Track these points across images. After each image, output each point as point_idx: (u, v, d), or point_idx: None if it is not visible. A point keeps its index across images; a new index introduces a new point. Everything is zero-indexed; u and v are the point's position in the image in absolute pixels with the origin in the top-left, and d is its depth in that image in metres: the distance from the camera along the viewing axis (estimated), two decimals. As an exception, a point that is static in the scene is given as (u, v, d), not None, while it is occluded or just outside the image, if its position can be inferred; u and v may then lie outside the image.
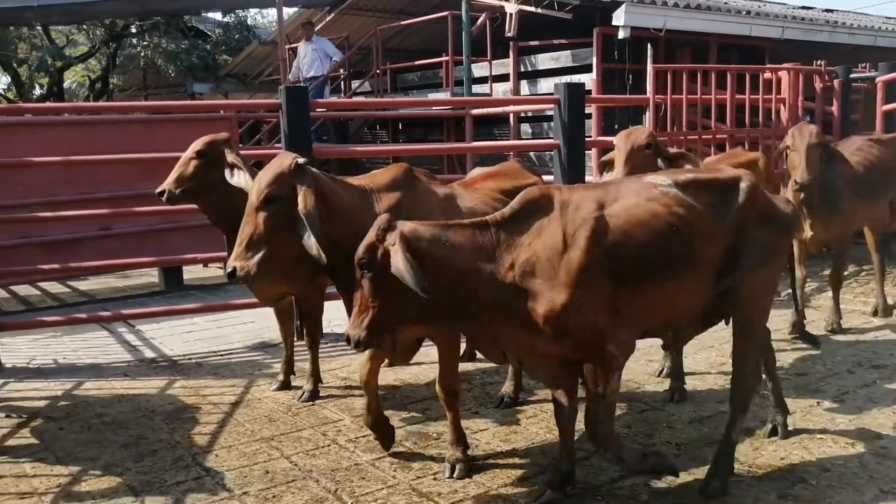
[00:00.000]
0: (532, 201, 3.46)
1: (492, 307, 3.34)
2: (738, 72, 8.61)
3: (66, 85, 22.20)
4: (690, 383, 5.26)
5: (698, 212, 3.52)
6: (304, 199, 3.86)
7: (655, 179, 3.62)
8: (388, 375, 5.68)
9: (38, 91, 20.38)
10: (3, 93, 20.69)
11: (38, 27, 16.20)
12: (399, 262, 3.15)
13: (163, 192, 4.99)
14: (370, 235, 3.29)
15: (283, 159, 4.04)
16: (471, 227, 3.40)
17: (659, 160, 5.01)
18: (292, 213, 3.86)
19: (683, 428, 4.53)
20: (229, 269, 3.99)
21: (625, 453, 3.57)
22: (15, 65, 17.96)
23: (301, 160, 4.00)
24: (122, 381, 5.76)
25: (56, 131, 7.91)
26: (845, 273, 7.33)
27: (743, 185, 3.65)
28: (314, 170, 4.09)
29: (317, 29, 15.64)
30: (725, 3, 12.00)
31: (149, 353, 6.50)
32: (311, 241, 3.80)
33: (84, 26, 18.15)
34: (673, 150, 5.40)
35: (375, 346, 3.52)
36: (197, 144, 4.99)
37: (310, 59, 13.17)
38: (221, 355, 6.40)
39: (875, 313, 6.96)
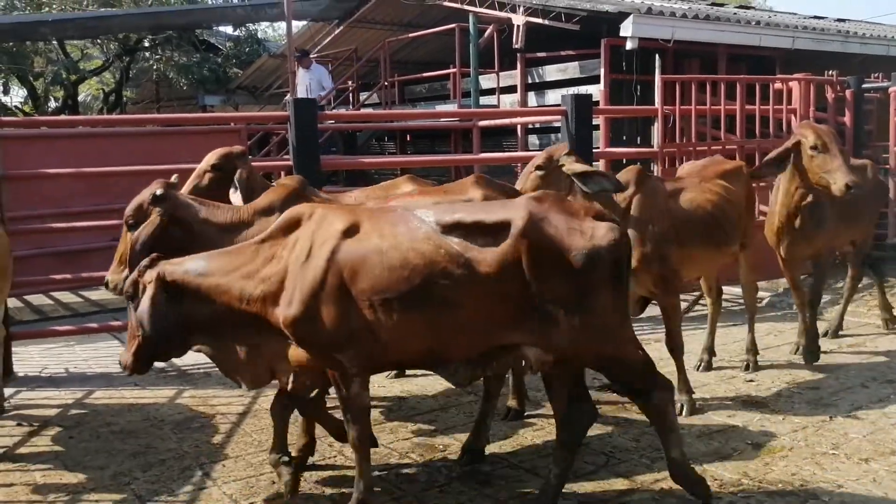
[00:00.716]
0: (293, 218, 3.64)
1: (257, 324, 3.56)
2: (747, 82, 8.60)
3: (80, 98, 22.41)
4: (701, 396, 5.25)
5: (451, 254, 3.36)
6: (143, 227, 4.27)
7: (421, 213, 3.52)
8: (396, 387, 5.69)
9: (53, 104, 20.55)
10: (19, 106, 20.86)
11: (54, 41, 16.34)
12: (143, 305, 3.52)
13: None
14: (136, 271, 3.65)
15: (151, 188, 4.38)
16: (236, 251, 3.70)
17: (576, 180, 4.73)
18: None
19: (692, 442, 4.51)
20: (105, 281, 4.55)
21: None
22: (31, 78, 18.14)
23: (160, 191, 4.31)
24: (132, 391, 5.79)
25: (71, 144, 7.98)
26: (852, 288, 7.14)
27: (516, 225, 3.35)
28: (179, 197, 4.41)
29: (326, 41, 15.77)
30: (735, 13, 12.01)
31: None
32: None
33: (98, 40, 18.30)
34: (583, 167, 4.88)
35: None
36: (212, 157, 5.04)
37: (303, 88, 13.03)
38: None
39: (825, 333, 6.76)
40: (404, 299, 3.34)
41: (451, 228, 3.42)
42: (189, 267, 3.62)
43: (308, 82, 13.24)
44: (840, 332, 6.91)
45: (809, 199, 5.72)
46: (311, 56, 14.28)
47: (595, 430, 4.69)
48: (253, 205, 4.54)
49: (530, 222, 3.35)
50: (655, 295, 5.01)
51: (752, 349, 5.95)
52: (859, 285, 7.27)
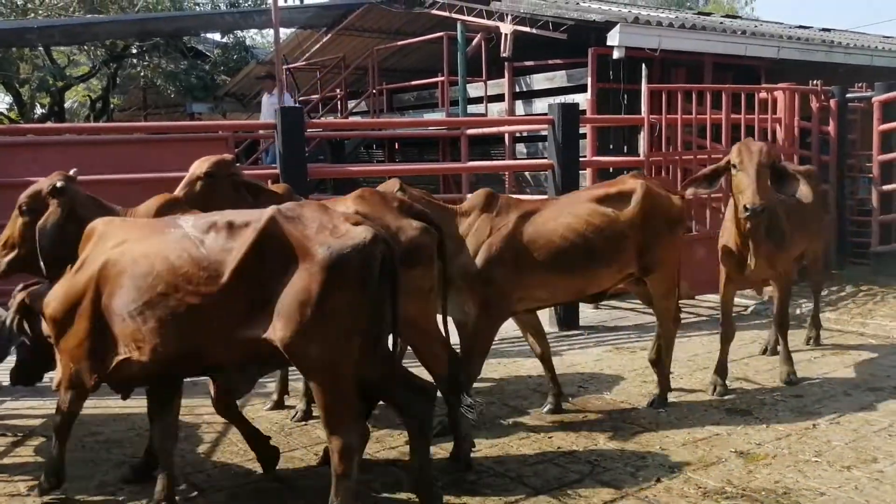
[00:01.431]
0: (89, 231, 3.88)
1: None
2: (733, 91, 8.66)
3: (67, 105, 22.32)
4: (685, 404, 5.28)
5: (195, 257, 3.45)
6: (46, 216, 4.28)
7: (184, 220, 3.66)
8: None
9: (39, 111, 20.48)
10: (4, 112, 20.77)
11: (40, 48, 16.29)
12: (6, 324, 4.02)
13: None
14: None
15: (51, 178, 4.41)
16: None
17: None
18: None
19: (677, 450, 4.53)
20: None
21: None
22: (17, 85, 18.06)
23: (60, 183, 4.34)
24: (117, 401, 5.66)
25: (58, 151, 7.93)
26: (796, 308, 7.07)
27: (256, 226, 3.43)
28: (80, 193, 4.45)
29: (314, 49, 15.78)
30: (721, 22, 12.09)
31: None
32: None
33: (85, 47, 18.25)
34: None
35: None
36: (204, 165, 5.01)
37: (268, 111, 12.69)
38: (216, 375, 6.39)
39: (807, 342, 6.79)
40: (156, 306, 3.46)
41: (204, 232, 3.52)
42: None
43: (272, 107, 13.02)
44: (820, 341, 6.89)
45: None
46: (300, 62, 14.28)
47: (580, 437, 4.73)
48: (136, 211, 4.61)
49: (271, 220, 3.41)
50: (467, 314, 4.71)
51: (664, 386, 5.44)
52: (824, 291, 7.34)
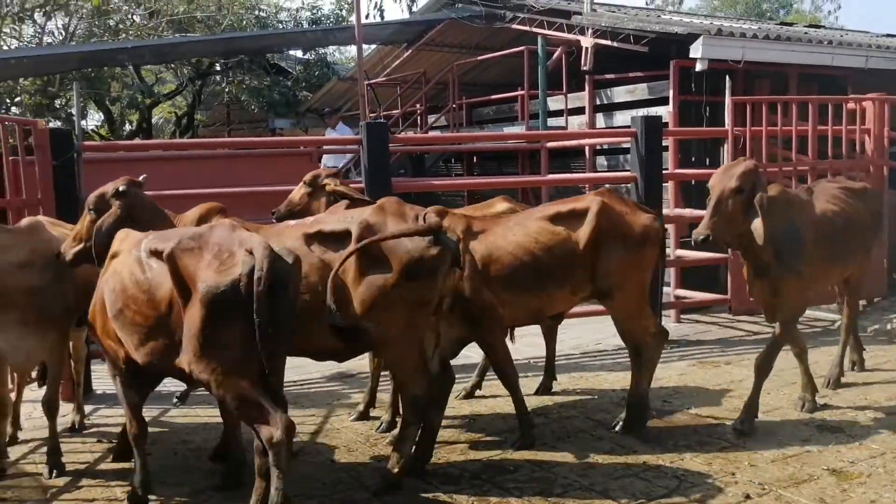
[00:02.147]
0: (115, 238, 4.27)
1: None
2: (820, 102, 8.44)
3: (153, 121, 23.10)
4: (774, 420, 5.15)
5: (140, 281, 3.88)
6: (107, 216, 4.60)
7: (144, 243, 3.99)
8: (465, 407, 5.71)
9: (128, 127, 21.24)
10: (96, 129, 21.62)
11: (130, 67, 16.94)
12: None
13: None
14: None
15: (116, 183, 4.69)
16: None
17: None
18: None
19: (766, 467, 4.43)
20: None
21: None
22: (108, 103, 18.78)
23: (123, 187, 4.62)
24: (206, 409, 5.92)
25: (148, 166, 8.21)
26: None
27: (166, 255, 3.73)
28: (139, 197, 4.73)
29: (395, 64, 15.99)
30: (805, 32, 11.80)
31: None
32: None
33: (172, 65, 18.89)
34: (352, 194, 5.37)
35: None
36: (308, 176, 5.51)
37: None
38: (300, 385, 6.53)
39: (828, 383, 5.95)
40: (118, 319, 3.93)
41: (148, 257, 3.92)
42: None
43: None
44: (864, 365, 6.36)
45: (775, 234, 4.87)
46: (381, 78, 14.46)
47: (666, 452, 4.66)
48: (182, 217, 4.98)
49: (170, 254, 3.72)
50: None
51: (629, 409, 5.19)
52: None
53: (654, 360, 5.24)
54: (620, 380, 6.32)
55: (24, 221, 5.12)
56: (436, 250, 4.03)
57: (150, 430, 5.36)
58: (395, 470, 4.22)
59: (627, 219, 5.01)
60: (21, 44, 17.27)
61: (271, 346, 3.57)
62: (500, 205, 5.77)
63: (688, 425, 5.20)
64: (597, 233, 4.86)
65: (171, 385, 6.50)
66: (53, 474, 4.61)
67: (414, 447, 4.45)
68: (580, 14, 11.49)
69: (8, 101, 15.88)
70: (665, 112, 9.82)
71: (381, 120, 12.03)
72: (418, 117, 16.02)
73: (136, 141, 17.16)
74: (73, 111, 15.10)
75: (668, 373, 6.45)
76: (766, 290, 5.14)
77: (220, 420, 5.51)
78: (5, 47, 16.33)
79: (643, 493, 4.12)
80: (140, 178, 4.81)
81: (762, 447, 4.73)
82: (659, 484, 4.23)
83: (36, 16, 17.40)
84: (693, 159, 10.34)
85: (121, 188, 4.61)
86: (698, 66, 9.40)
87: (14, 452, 4.97)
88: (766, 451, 4.68)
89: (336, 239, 4.12)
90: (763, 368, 5.13)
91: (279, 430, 3.54)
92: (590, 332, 7.73)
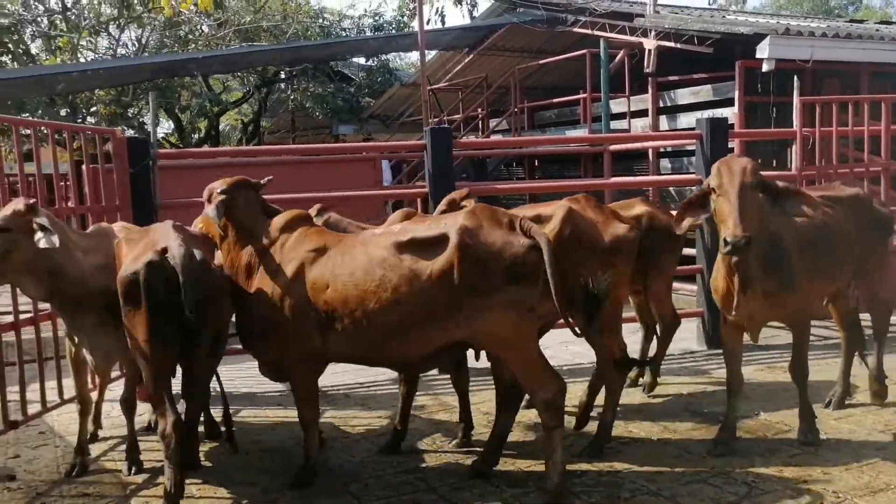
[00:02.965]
0: None
1: None
2: (893, 101, 8.21)
3: (221, 128, 23.63)
4: (848, 427, 5.04)
5: None
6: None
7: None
8: (530, 413, 5.72)
9: (196, 135, 21.77)
10: (166, 137, 22.22)
11: (199, 76, 17.39)
12: None
13: None
14: None
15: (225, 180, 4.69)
16: None
17: None
18: None
19: (840, 475, 4.34)
20: None
21: None
22: (178, 111, 19.29)
23: (224, 187, 4.59)
24: (276, 410, 6.04)
25: (217, 174, 8.42)
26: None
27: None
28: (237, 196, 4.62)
29: (456, 69, 16.08)
30: (877, 30, 11.51)
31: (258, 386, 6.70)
32: None
33: (239, 74, 19.32)
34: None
35: None
36: (446, 199, 5.54)
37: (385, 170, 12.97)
38: (367, 387, 6.62)
39: (828, 404, 5.48)
40: None
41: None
42: None
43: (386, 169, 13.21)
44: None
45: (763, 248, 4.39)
46: (442, 83, 14.57)
47: (735, 458, 4.60)
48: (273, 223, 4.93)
49: (118, 244, 4.49)
50: None
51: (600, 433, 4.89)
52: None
53: (615, 389, 4.90)
54: (686, 384, 6.26)
55: (94, 227, 5.26)
56: (536, 253, 3.94)
57: (222, 430, 5.55)
58: (556, 481, 4.06)
59: (598, 228, 4.68)
60: (97, 56, 17.89)
61: (179, 341, 4.10)
62: (638, 206, 5.80)
63: (756, 430, 5.12)
64: (559, 242, 4.41)
65: (241, 386, 6.74)
66: (132, 471, 4.76)
67: (493, 452, 4.49)
68: (643, 16, 11.42)
69: (84, 110, 16.44)
70: (730, 113, 9.68)
71: (444, 125, 12.11)
72: (480, 121, 16.08)
73: (207, 148, 17.62)
74: (148, 120, 15.58)
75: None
76: (756, 304, 4.56)
77: (288, 421, 5.68)
78: (82, 59, 16.92)
79: (712, 498, 4.09)
80: (263, 181, 4.79)
81: (835, 455, 4.63)
82: (729, 490, 4.19)
83: (111, 28, 17.98)
84: (759, 161, 10.17)
85: (222, 188, 4.60)
86: (765, 67, 9.26)
87: (95, 449, 5.15)
88: (839, 458, 4.58)
89: (430, 245, 3.99)
90: (799, 376, 4.81)
91: (168, 426, 4.03)
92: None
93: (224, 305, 4.51)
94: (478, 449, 4.83)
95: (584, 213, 4.75)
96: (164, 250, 4.08)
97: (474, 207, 4.20)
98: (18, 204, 4.31)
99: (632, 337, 7.01)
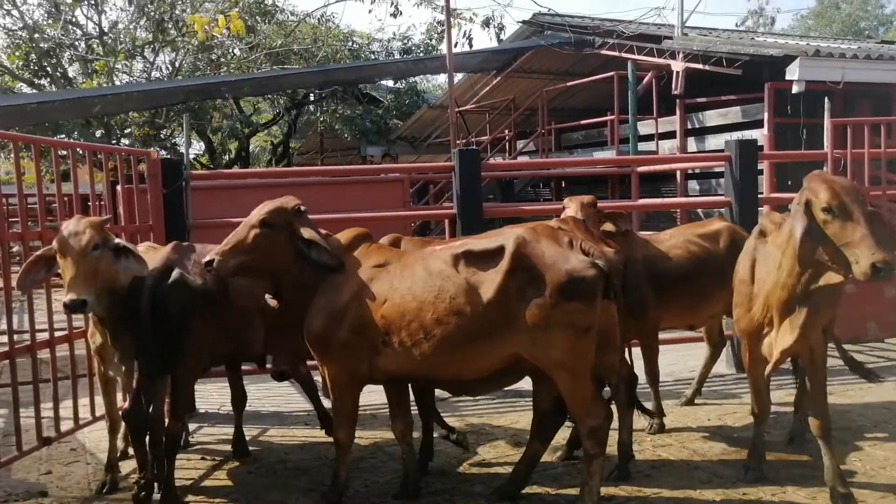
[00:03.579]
0: None
1: None
2: (927, 123, 8.15)
3: (251, 149, 23.91)
4: (880, 455, 4.96)
5: None
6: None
7: None
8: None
9: (227, 156, 22.04)
10: (197, 158, 22.52)
11: (231, 99, 17.64)
12: None
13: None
14: None
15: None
16: None
17: None
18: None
19: (875, 503, 4.27)
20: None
21: None
22: (209, 133, 19.56)
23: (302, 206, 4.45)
24: (303, 430, 6.06)
25: (249, 193, 8.50)
26: None
27: None
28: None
29: (484, 91, 16.16)
30: (910, 51, 11.42)
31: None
32: None
33: (269, 96, 19.56)
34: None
35: None
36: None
37: None
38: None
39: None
40: None
41: None
42: None
43: None
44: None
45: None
46: (470, 105, 14.64)
47: (767, 484, 4.54)
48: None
49: None
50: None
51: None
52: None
53: (625, 409, 4.68)
54: (716, 409, 6.19)
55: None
56: (594, 271, 3.90)
57: (250, 448, 5.60)
58: None
59: (553, 262, 3.99)
60: (132, 79, 18.21)
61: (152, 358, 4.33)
62: (717, 223, 5.95)
63: (789, 457, 5.05)
64: (508, 279, 3.99)
65: (269, 405, 6.77)
66: (161, 489, 4.80)
67: (521, 475, 4.47)
68: (671, 38, 11.43)
69: (119, 132, 16.73)
70: (759, 135, 9.64)
71: (472, 147, 12.16)
72: (507, 143, 16.13)
73: (238, 170, 17.83)
74: (180, 141, 15.83)
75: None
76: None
77: (315, 440, 5.70)
78: (118, 82, 17.24)
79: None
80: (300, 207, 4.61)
81: (871, 481, 4.56)
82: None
83: (146, 52, 18.32)
84: (790, 183, 10.11)
85: (302, 207, 4.44)
86: (795, 88, 9.22)
87: (125, 467, 5.20)
88: (877, 484, 4.51)
89: (487, 257, 4.03)
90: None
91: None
92: (683, 359, 7.60)
93: (198, 325, 4.53)
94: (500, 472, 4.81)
95: (538, 244, 4.07)
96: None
97: (535, 224, 4.18)
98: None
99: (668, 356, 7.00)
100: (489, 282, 3.95)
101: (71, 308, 4.19)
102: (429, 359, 4.05)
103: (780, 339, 4.21)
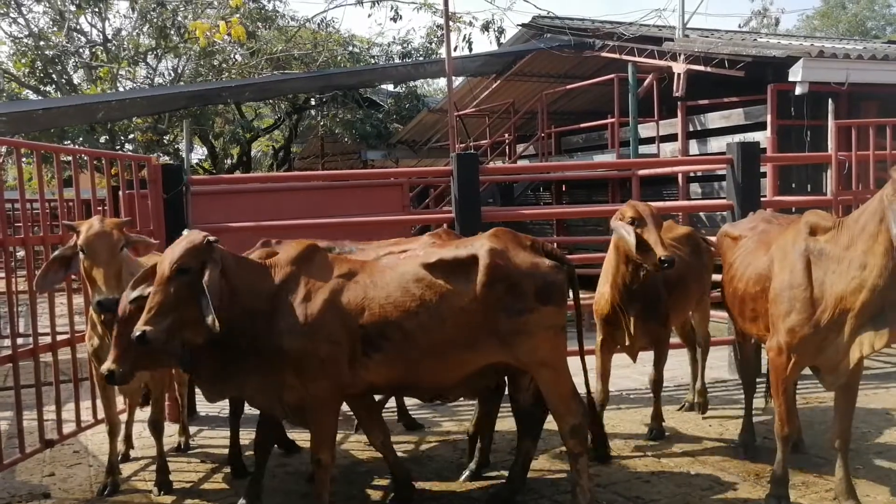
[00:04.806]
0: None
1: None
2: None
3: (252, 154, 23.90)
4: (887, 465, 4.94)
5: None
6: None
7: None
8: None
9: (228, 161, 22.03)
10: (199, 163, 22.52)
11: (232, 104, 17.64)
12: None
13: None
14: None
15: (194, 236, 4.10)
16: None
17: None
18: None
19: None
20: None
21: None
22: (211, 138, 19.56)
23: (213, 238, 4.02)
24: (302, 433, 6.01)
25: (249, 199, 8.49)
26: None
27: None
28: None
29: (483, 95, 16.15)
30: (914, 51, 11.40)
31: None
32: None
33: (270, 101, 19.57)
34: None
35: None
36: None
37: None
38: (392, 411, 6.58)
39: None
40: None
41: None
42: None
43: None
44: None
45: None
46: (470, 108, 14.62)
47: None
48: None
49: None
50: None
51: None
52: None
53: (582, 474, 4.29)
54: (719, 415, 6.16)
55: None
56: (563, 274, 4.09)
57: (249, 452, 5.54)
58: None
59: (528, 270, 4.08)
60: (135, 85, 18.23)
61: None
62: (682, 228, 6.05)
63: (793, 464, 5.01)
64: (487, 290, 4.02)
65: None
66: (162, 492, 4.79)
67: (517, 478, 4.47)
68: (672, 40, 11.42)
69: (122, 137, 16.75)
70: (762, 137, 9.61)
71: (471, 151, 12.15)
72: (507, 146, 16.12)
73: (238, 174, 17.83)
74: (182, 147, 15.82)
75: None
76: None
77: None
78: (121, 88, 17.26)
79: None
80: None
81: (874, 489, 4.53)
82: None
83: (149, 58, 18.36)
84: (794, 185, 10.09)
85: (212, 239, 4.05)
86: (798, 90, 9.20)
87: (126, 469, 5.20)
88: (880, 492, 4.48)
89: (458, 266, 4.03)
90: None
91: None
92: (684, 364, 7.55)
93: None
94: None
95: (506, 250, 4.17)
96: None
97: (496, 230, 4.25)
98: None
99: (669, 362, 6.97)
100: (468, 292, 3.97)
101: (108, 307, 4.24)
102: (414, 367, 4.03)
103: (863, 343, 3.91)
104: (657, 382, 5.64)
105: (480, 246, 4.06)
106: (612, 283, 5.07)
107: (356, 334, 3.99)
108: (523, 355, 4.04)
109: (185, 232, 4.29)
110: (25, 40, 17.54)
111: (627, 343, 5.19)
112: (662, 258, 4.61)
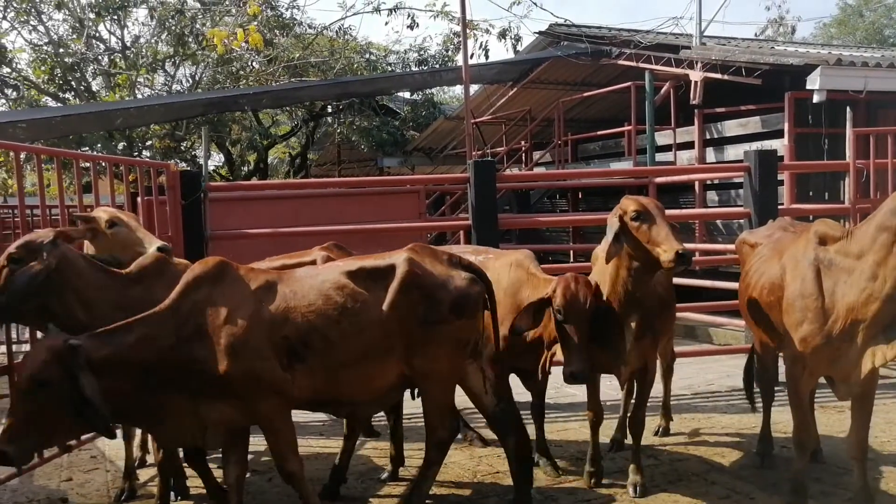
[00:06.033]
0: None
1: None
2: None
3: (269, 161, 24.00)
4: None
5: None
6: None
7: None
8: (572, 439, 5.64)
9: (245, 168, 22.14)
10: (216, 170, 22.66)
11: (249, 111, 17.74)
12: None
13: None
14: None
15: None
16: None
17: None
18: None
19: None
20: None
21: None
22: (228, 145, 19.68)
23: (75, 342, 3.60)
24: (318, 440, 6.06)
25: (266, 205, 8.55)
26: None
27: None
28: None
29: (500, 103, 16.17)
30: (934, 60, 11.31)
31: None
32: None
33: (287, 108, 19.67)
34: None
35: None
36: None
37: None
38: (407, 419, 6.59)
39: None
40: None
41: None
42: None
43: None
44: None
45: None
46: (486, 116, 14.60)
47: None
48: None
49: None
50: None
51: None
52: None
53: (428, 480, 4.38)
54: (735, 422, 6.13)
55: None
56: (479, 287, 4.14)
57: (265, 459, 5.57)
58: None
59: (443, 282, 4.12)
60: (153, 92, 18.39)
61: None
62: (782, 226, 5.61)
63: (811, 473, 4.97)
64: (401, 297, 4.04)
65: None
66: (178, 498, 4.81)
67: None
68: (689, 48, 11.40)
69: (140, 144, 16.88)
70: (780, 145, 9.57)
71: (488, 158, 12.16)
72: (523, 154, 16.12)
73: (255, 181, 17.94)
74: (199, 153, 15.92)
75: (786, 416, 6.19)
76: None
77: (329, 451, 5.68)
78: (140, 95, 17.41)
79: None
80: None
81: (893, 500, 4.49)
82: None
83: (167, 66, 18.51)
84: (811, 194, 10.03)
85: (74, 342, 3.61)
86: (816, 98, 9.16)
87: (144, 475, 5.23)
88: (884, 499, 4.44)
89: (378, 275, 4.07)
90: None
91: None
92: (701, 373, 7.55)
93: None
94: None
95: (423, 264, 4.20)
96: None
97: (414, 245, 4.29)
98: None
99: (685, 369, 6.94)
100: (384, 300, 4.00)
101: None
102: (334, 377, 3.98)
103: (875, 353, 3.87)
104: (638, 424, 4.88)
105: (399, 257, 4.12)
106: (610, 290, 4.51)
107: (282, 345, 3.88)
108: (421, 365, 4.06)
109: (50, 326, 3.75)
110: (45, 47, 17.73)
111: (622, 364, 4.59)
112: (680, 251, 4.06)
